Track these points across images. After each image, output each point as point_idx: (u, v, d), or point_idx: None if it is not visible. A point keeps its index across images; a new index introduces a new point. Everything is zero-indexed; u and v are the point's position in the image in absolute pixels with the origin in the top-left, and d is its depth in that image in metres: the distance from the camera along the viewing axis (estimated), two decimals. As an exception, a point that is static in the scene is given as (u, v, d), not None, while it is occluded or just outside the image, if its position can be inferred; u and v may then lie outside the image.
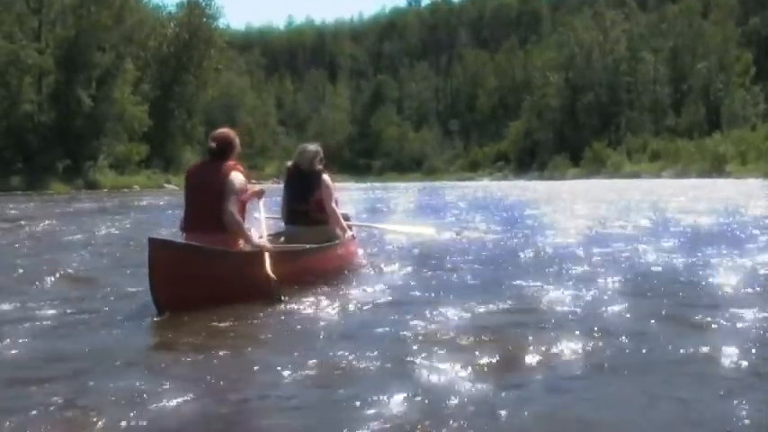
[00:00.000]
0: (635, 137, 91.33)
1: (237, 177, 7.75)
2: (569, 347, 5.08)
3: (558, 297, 6.99)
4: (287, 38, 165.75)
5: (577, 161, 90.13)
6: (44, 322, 6.24)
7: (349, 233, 10.06)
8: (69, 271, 9.39)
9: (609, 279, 8.03)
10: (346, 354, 4.99)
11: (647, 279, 8.15)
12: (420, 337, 5.41)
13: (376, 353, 4.99)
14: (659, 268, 9.06)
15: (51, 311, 6.67)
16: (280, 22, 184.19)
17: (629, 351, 5.10)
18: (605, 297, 6.97)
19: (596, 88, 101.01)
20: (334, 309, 6.73)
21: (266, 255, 7.52)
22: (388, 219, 17.52)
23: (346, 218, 10.68)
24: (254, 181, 11.16)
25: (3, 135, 56.40)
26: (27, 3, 62.22)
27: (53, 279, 8.67)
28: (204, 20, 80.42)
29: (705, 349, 5.02)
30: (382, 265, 9.74)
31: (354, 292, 7.69)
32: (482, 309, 6.44)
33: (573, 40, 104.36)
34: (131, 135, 64.05)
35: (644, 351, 5.07)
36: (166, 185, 60.86)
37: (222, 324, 6.10)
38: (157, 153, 67.64)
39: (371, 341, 5.37)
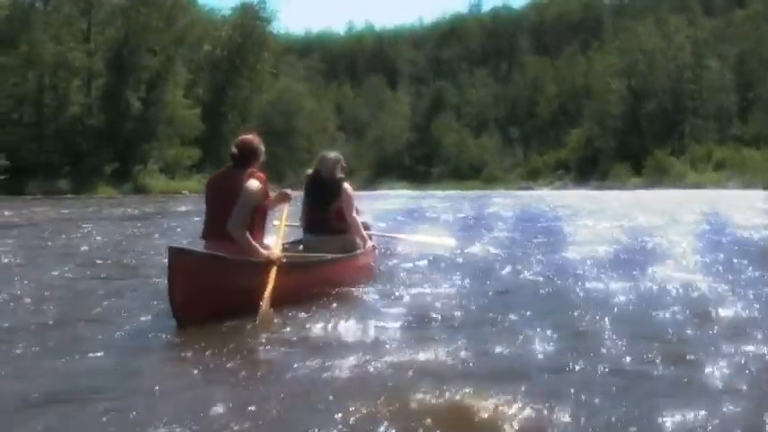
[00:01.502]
0: (699, 145, 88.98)
1: (251, 186, 7.70)
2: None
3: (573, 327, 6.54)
4: (346, 43, 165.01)
5: (639, 170, 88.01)
6: (56, 333, 6.41)
7: (369, 243, 10.03)
8: (87, 278, 9.64)
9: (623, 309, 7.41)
10: (356, 375, 4.98)
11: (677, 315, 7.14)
12: (427, 366, 5.20)
13: (388, 379, 4.89)
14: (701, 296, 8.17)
15: (62, 322, 6.82)
16: (339, 28, 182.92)
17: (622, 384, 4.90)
18: (620, 333, 6.25)
19: (659, 95, 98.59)
20: (347, 324, 6.63)
21: (273, 268, 7.44)
22: (425, 229, 16.59)
23: (366, 227, 10.68)
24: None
25: (51, 138, 56.36)
26: (76, 4, 62.12)
27: (68, 288, 8.83)
28: (258, 22, 79.73)
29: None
30: (401, 278, 9.66)
31: (371, 307, 7.60)
32: (491, 336, 6.11)
33: (635, 45, 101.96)
34: (183, 139, 63.76)
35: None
36: (218, 191, 60.01)
37: (238, 336, 6.20)
38: (210, 157, 67.07)
39: (384, 366, 5.21)
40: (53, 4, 61.71)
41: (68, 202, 40.51)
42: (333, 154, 9.82)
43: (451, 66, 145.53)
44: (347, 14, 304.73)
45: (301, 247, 9.75)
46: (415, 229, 16.28)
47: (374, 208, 26.07)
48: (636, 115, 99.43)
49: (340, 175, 9.67)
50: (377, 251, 10.81)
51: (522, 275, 9.91)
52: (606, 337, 6.14)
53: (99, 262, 11.72)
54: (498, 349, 5.66)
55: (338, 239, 9.49)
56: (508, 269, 10.46)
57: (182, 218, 25.60)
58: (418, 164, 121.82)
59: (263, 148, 8.14)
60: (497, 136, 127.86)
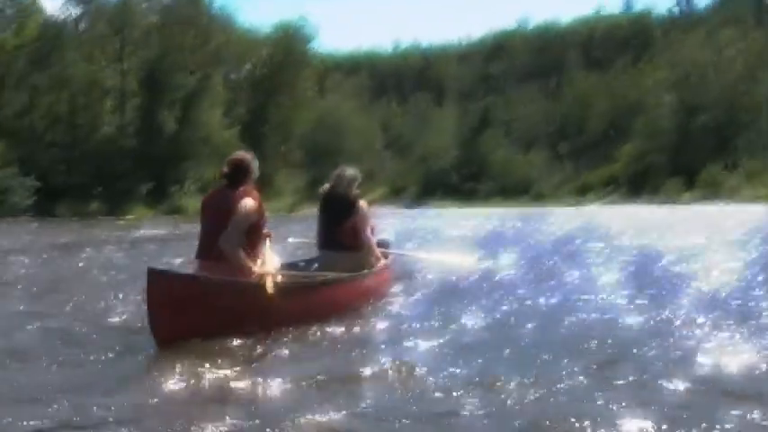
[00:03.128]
0: (754, 159, 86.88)
1: (246, 204, 7.66)
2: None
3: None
4: (393, 61, 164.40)
5: (692, 185, 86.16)
6: (42, 354, 6.39)
7: (383, 262, 9.92)
8: (75, 301, 9.46)
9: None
10: (347, 400, 4.74)
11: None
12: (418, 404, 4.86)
13: (377, 404, 4.71)
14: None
15: (50, 342, 6.88)
16: (387, 46, 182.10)
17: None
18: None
19: (712, 109, 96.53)
20: (344, 346, 6.55)
21: (269, 283, 7.27)
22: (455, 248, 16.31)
23: (386, 245, 11.00)
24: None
25: (83, 159, 56.05)
26: (109, 23, 61.88)
27: (58, 309, 8.83)
28: (298, 40, 78.96)
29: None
30: (413, 298, 9.56)
31: (374, 328, 7.42)
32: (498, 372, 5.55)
33: (687, 59, 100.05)
34: (221, 159, 63.14)
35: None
36: (257, 211, 58.96)
37: (219, 359, 6.00)
38: (249, 177, 66.31)
39: (376, 393, 4.97)
40: (86, 23, 61.59)
41: (98, 223, 40.21)
42: (349, 171, 9.83)
43: (499, 82, 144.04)
44: (394, 32, 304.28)
45: (316, 264, 9.77)
46: (445, 248, 15.87)
47: (414, 226, 25.54)
48: (688, 129, 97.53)
49: (356, 191, 9.66)
50: (392, 271, 10.62)
51: (540, 300, 9.35)
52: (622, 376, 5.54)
53: (92, 283, 11.71)
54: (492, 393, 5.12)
55: (351, 257, 9.46)
56: (525, 292, 10.01)
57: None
58: (465, 181, 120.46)
59: (255, 164, 8.11)
60: (546, 152, 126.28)
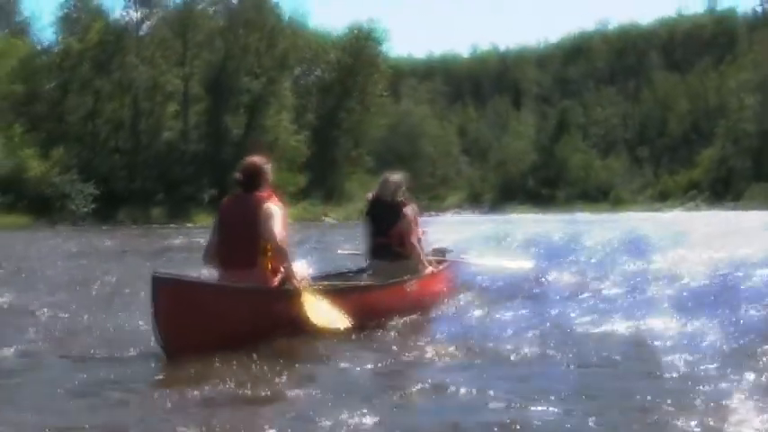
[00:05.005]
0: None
1: (274, 208, 7.32)
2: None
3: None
4: (470, 65, 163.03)
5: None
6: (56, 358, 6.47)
7: (429, 269, 9.53)
8: (83, 311, 9.16)
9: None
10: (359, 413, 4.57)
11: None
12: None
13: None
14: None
15: (66, 351, 6.75)
16: (462, 51, 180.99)
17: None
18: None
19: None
20: (371, 357, 6.28)
21: (304, 294, 7.12)
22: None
23: (443, 252, 10.84)
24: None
25: (145, 165, 55.81)
26: (170, 26, 61.55)
27: (76, 318, 8.60)
28: (369, 43, 77.92)
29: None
30: (462, 306, 9.30)
31: (405, 339, 7.12)
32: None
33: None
34: (290, 165, 62.21)
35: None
36: (325, 218, 57.92)
37: (231, 370, 5.76)
38: (318, 183, 65.29)
39: (399, 409, 4.78)
40: (148, 26, 61.47)
41: (157, 231, 39.97)
42: (395, 177, 9.61)
43: (578, 85, 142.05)
44: (471, 37, 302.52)
45: (366, 274, 9.66)
46: (508, 254, 15.56)
47: (487, 231, 27.11)
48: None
49: (401, 198, 9.45)
50: (445, 277, 10.22)
51: (591, 312, 8.61)
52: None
53: (125, 292, 11.32)
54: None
55: (401, 265, 9.16)
56: (579, 301, 9.71)
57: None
58: (543, 186, 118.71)
59: (268, 167, 7.82)
60: (626, 156, 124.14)
